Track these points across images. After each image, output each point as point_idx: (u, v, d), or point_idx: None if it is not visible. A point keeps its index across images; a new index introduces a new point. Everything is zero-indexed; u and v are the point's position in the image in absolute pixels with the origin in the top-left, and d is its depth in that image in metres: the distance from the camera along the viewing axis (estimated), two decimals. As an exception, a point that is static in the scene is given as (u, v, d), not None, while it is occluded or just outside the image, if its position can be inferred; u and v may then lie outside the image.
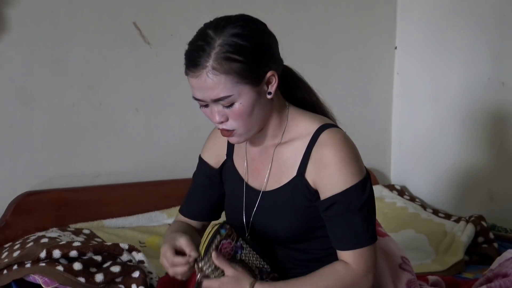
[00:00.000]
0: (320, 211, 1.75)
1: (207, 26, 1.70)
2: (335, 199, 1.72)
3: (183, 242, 1.71)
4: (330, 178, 1.72)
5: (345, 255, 1.75)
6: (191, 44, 1.70)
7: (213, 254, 1.67)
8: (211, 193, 1.97)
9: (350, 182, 1.71)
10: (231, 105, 1.68)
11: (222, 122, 1.72)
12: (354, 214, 1.72)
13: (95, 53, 3.03)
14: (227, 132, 1.74)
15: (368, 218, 1.74)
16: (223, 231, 1.68)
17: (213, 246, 1.66)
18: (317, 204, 1.75)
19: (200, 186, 1.99)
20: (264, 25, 1.75)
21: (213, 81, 1.64)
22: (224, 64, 1.63)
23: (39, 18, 2.88)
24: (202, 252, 1.67)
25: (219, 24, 1.67)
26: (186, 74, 1.69)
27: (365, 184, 1.74)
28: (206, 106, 1.71)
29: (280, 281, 1.74)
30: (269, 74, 1.70)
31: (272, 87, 1.72)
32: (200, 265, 1.67)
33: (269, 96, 1.72)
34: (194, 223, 2.00)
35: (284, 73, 1.80)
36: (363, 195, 1.73)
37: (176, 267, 1.70)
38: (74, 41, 2.97)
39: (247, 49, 1.66)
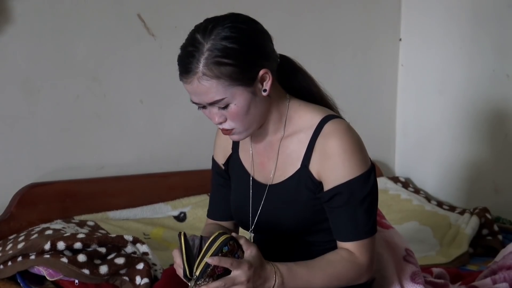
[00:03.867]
0: (323, 202, 1.75)
1: (196, 29, 1.69)
2: (337, 190, 1.72)
3: None
4: (334, 168, 1.72)
5: (346, 246, 1.75)
6: (182, 49, 1.70)
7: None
8: (229, 190, 1.97)
9: (354, 173, 1.71)
10: (226, 106, 1.69)
11: (221, 123, 1.73)
12: (356, 205, 1.72)
13: (99, 45, 3.03)
14: (227, 131, 1.75)
15: (369, 209, 1.74)
16: (225, 248, 1.61)
17: (211, 265, 1.58)
18: (319, 196, 1.75)
19: (217, 186, 2.00)
20: (254, 22, 1.73)
21: (205, 86, 1.65)
22: (214, 69, 1.64)
23: (44, 10, 2.88)
24: (198, 271, 1.59)
25: (207, 27, 1.66)
26: (180, 79, 1.70)
27: (368, 175, 1.73)
28: (204, 107, 1.73)
29: (291, 262, 1.73)
30: (261, 72, 1.69)
31: (267, 84, 1.71)
32: (193, 284, 1.60)
33: (264, 94, 1.72)
34: (225, 223, 2.00)
35: (282, 64, 1.79)
36: (366, 187, 1.72)
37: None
38: (78, 33, 2.97)
39: (237, 52, 1.65)
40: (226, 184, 1.97)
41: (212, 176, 2.02)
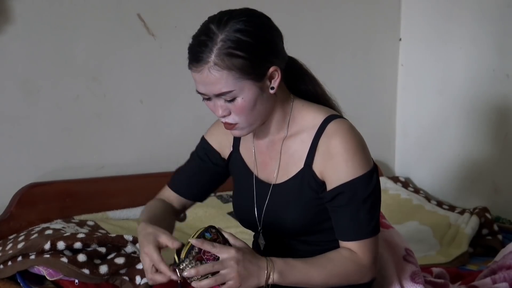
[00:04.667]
0: (326, 202, 1.75)
1: (211, 20, 1.69)
2: (340, 190, 1.72)
3: (165, 238, 1.67)
4: (336, 168, 1.72)
5: (348, 246, 1.75)
6: (194, 38, 1.69)
7: (205, 244, 1.60)
8: (204, 174, 1.97)
9: (356, 173, 1.71)
10: (233, 99, 1.68)
11: (224, 116, 1.72)
12: (359, 205, 1.72)
13: (99, 44, 3.03)
14: (229, 125, 1.75)
15: (372, 209, 1.74)
16: (207, 235, 1.62)
17: (196, 249, 1.59)
18: (322, 196, 1.75)
19: (195, 164, 1.99)
20: (268, 19, 1.74)
21: (215, 76, 1.64)
22: (226, 60, 1.63)
23: (43, 10, 2.89)
24: (183, 255, 1.60)
25: (222, 19, 1.66)
26: (189, 68, 1.69)
27: (371, 175, 1.74)
28: (209, 99, 1.72)
29: (290, 258, 1.72)
30: (271, 69, 1.70)
31: (275, 82, 1.72)
32: (181, 266, 1.60)
33: (271, 91, 1.72)
34: (176, 200, 1.98)
35: (289, 65, 1.79)
36: (368, 187, 1.73)
37: (156, 276, 1.66)
38: (78, 33, 2.97)
39: (250, 45, 1.65)
40: (206, 167, 1.96)
41: (195, 153, 2.00)
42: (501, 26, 3.41)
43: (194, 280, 1.60)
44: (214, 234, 1.63)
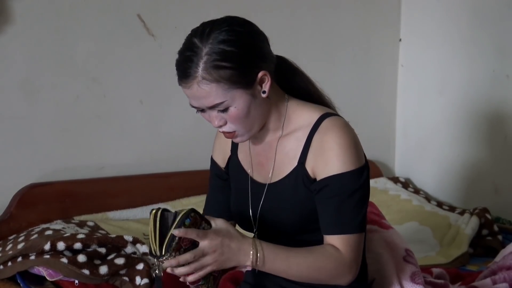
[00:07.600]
0: (314, 194, 1.75)
1: (193, 34, 1.70)
2: (328, 182, 1.71)
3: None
4: (327, 161, 1.72)
5: (331, 240, 1.72)
6: (180, 54, 1.71)
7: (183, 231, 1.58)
8: (226, 192, 1.97)
9: (346, 167, 1.71)
10: (226, 109, 1.69)
11: (221, 126, 1.74)
12: (344, 198, 1.71)
13: (99, 45, 3.03)
14: (229, 134, 1.76)
15: (357, 206, 1.73)
16: (187, 221, 1.59)
17: (176, 239, 1.57)
18: (312, 189, 1.75)
19: (215, 187, 2.00)
20: (250, 24, 1.74)
21: (205, 90, 1.66)
22: (213, 73, 1.64)
23: (43, 10, 2.89)
24: (156, 246, 1.58)
25: (205, 31, 1.67)
26: (179, 84, 1.71)
27: (361, 173, 1.73)
28: (203, 111, 1.73)
29: (277, 245, 1.71)
30: (260, 74, 1.70)
31: (266, 86, 1.72)
32: (163, 258, 1.58)
33: (264, 95, 1.73)
34: None
35: (279, 65, 1.80)
36: (356, 183, 1.72)
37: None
38: (78, 33, 2.97)
39: (235, 55, 1.66)
40: (224, 185, 1.97)
41: (210, 177, 2.01)
42: (501, 26, 3.41)
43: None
44: (193, 218, 1.60)
